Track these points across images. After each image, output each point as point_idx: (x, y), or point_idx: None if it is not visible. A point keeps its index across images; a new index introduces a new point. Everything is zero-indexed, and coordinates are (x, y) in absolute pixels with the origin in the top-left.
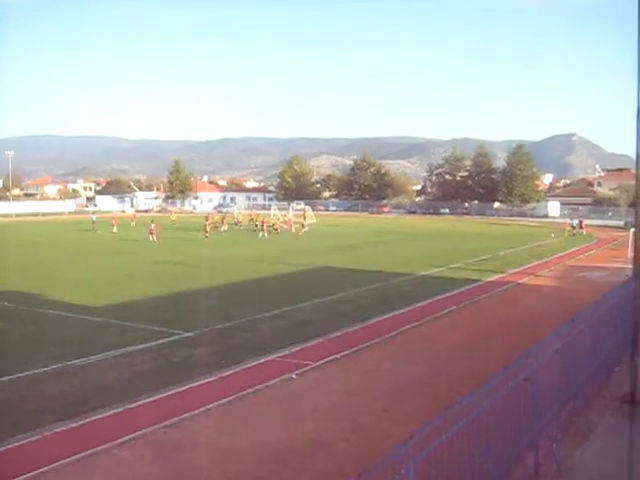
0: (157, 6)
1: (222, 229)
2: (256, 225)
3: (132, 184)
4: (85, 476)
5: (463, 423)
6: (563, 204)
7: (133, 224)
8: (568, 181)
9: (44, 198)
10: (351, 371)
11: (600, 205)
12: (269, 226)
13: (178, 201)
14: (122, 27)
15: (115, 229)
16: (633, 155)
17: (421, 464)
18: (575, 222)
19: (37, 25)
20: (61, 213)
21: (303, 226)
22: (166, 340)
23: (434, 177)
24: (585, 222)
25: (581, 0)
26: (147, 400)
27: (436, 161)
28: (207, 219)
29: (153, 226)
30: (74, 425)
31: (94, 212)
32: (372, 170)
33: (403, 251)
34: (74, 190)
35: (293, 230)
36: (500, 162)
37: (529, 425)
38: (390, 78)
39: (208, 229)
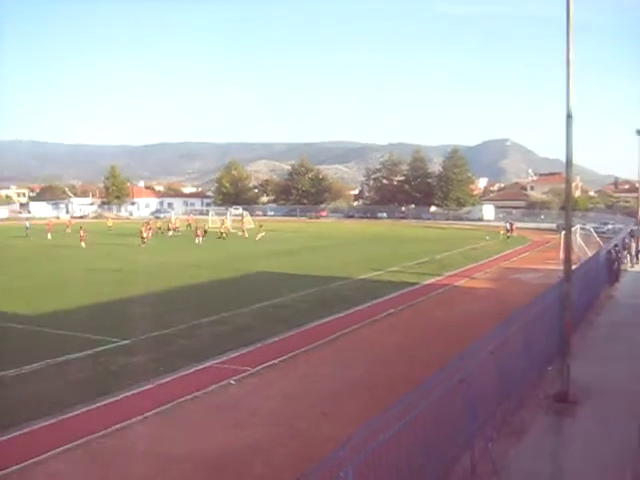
0: (89, 10)
1: (170, 234)
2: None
3: (67, 190)
4: None
5: (400, 425)
6: (497, 207)
7: (68, 230)
8: (502, 185)
9: None
10: (289, 376)
11: (533, 208)
12: (221, 232)
13: (114, 207)
14: (56, 27)
15: (49, 236)
16: (564, 159)
17: (359, 467)
18: (508, 225)
19: None
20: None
21: (261, 231)
22: (103, 348)
23: (371, 181)
24: (518, 225)
25: (514, 8)
26: (83, 409)
27: (373, 166)
28: (147, 224)
29: (82, 232)
30: (7, 437)
31: (28, 219)
32: (310, 175)
33: (341, 255)
34: (7, 196)
35: (247, 235)
36: (436, 166)
37: (465, 425)
38: (327, 83)
39: (145, 235)
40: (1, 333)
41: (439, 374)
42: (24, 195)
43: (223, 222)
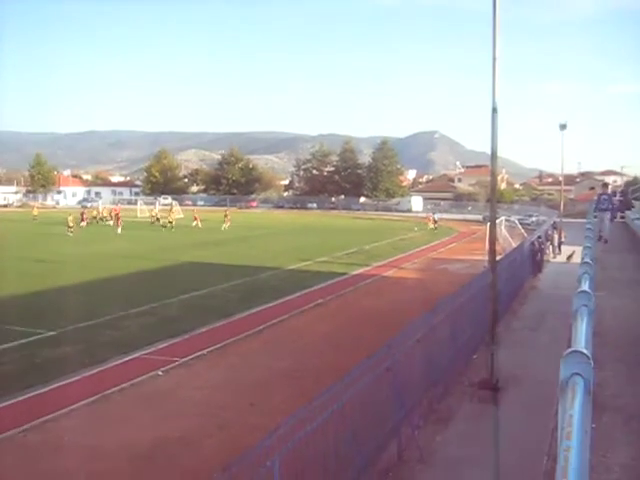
0: None
1: (108, 222)
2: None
3: None
4: None
5: (327, 414)
6: (426, 199)
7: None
8: (431, 177)
9: None
10: (218, 367)
11: (460, 200)
12: (169, 221)
13: (40, 196)
14: None
15: None
16: (489, 152)
17: (287, 456)
18: (436, 216)
19: None
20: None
21: (197, 223)
22: (27, 340)
23: (302, 172)
24: (445, 216)
25: (443, 2)
26: (6, 403)
27: (304, 156)
28: (83, 213)
29: None
30: None
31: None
32: (240, 165)
33: (271, 245)
34: None
35: (200, 225)
36: (366, 158)
37: (392, 414)
38: (259, 73)
39: (71, 225)
40: None
41: (366, 362)
42: None
43: (150, 211)
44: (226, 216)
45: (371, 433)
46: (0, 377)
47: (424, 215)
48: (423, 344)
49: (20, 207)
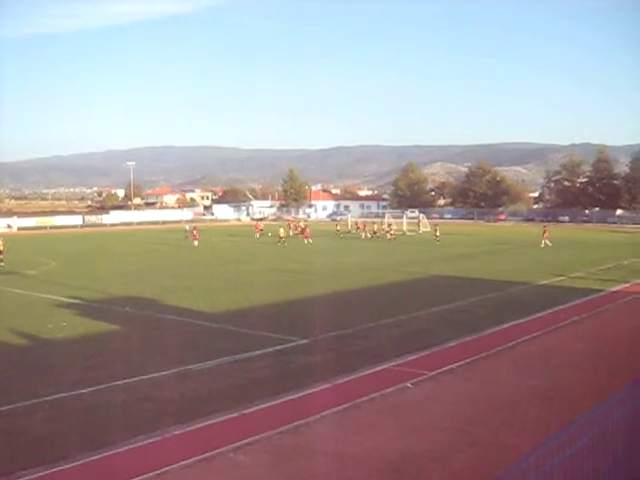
0: (262, 19)
1: (364, 236)
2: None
3: (248, 193)
4: (204, 478)
5: (588, 439)
6: None
7: (257, 236)
8: None
9: (163, 207)
10: (467, 381)
11: None
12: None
13: (292, 209)
14: (236, 41)
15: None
16: None
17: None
18: None
19: (153, 45)
20: (179, 221)
21: (436, 236)
22: (282, 347)
23: (552, 184)
24: None
25: None
26: (263, 406)
27: (554, 167)
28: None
29: (195, 231)
30: (191, 428)
31: (188, 222)
32: (487, 177)
33: (521, 259)
34: (192, 199)
35: (437, 237)
36: (622, 167)
37: None
38: (505, 84)
39: (282, 235)
40: (186, 329)
41: (632, 386)
42: (207, 198)
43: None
44: (545, 232)
45: (636, 462)
46: (259, 381)
47: None
48: None
49: (274, 220)
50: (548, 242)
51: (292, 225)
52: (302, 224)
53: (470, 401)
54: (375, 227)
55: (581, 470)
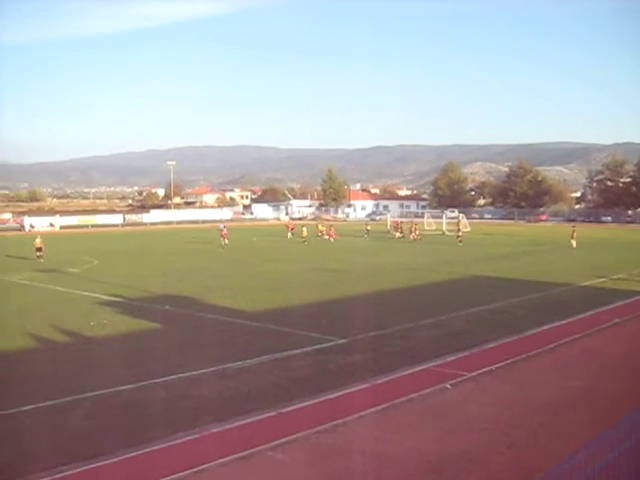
0: (310, 23)
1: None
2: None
3: (287, 192)
4: (242, 476)
5: (630, 443)
6: None
7: (289, 235)
8: None
9: (203, 206)
10: (507, 383)
11: None
12: (457, 235)
13: (332, 209)
14: (276, 41)
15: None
16: None
17: None
18: None
19: (194, 46)
20: (219, 221)
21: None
22: (321, 346)
23: (594, 183)
24: None
25: None
26: (301, 405)
27: (596, 167)
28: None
29: (225, 230)
30: (230, 426)
31: (221, 222)
32: (528, 177)
33: (562, 260)
34: (231, 198)
35: (460, 238)
36: None
37: None
38: (547, 81)
39: (305, 235)
40: (226, 328)
41: None
42: (247, 197)
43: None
44: (573, 232)
45: None
46: (297, 380)
47: None
48: None
49: (313, 220)
50: (573, 243)
51: (318, 227)
52: (321, 227)
53: (509, 403)
54: (403, 227)
55: (624, 475)
